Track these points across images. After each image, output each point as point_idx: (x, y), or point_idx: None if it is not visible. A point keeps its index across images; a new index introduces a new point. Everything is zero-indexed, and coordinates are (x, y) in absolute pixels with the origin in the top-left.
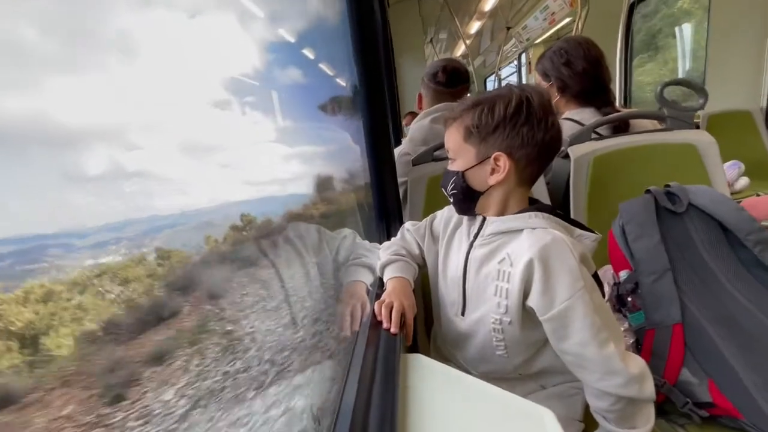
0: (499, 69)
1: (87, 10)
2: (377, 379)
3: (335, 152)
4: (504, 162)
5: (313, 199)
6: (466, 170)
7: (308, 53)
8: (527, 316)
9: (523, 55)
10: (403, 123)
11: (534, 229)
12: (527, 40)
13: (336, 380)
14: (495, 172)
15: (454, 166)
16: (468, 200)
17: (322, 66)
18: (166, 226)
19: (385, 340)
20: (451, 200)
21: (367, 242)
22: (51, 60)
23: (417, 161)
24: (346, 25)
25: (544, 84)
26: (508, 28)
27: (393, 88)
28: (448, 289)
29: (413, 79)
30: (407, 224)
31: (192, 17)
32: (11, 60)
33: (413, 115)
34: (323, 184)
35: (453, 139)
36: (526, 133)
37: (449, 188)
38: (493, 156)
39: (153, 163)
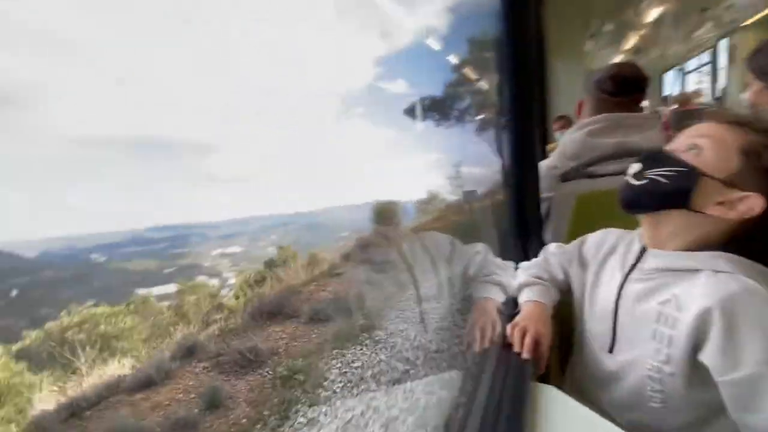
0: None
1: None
2: (504, 405)
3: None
4: (754, 208)
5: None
6: (706, 176)
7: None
8: (697, 372)
9: (722, 42)
10: (553, 128)
11: (717, 272)
12: (731, 22)
13: (462, 395)
14: (725, 206)
15: (694, 161)
16: (661, 199)
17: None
18: (279, 225)
19: (515, 365)
20: (636, 181)
21: (499, 259)
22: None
23: (567, 177)
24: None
25: (758, 85)
26: (704, 10)
27: (542, 93)
28: (594, 320)
29: (567, 79)
30: (551, 246)
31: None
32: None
33: (564, 119)
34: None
35: (721, 138)
36: None
37: (660, 170)
38: (752, 194)
39: (271, 168)
